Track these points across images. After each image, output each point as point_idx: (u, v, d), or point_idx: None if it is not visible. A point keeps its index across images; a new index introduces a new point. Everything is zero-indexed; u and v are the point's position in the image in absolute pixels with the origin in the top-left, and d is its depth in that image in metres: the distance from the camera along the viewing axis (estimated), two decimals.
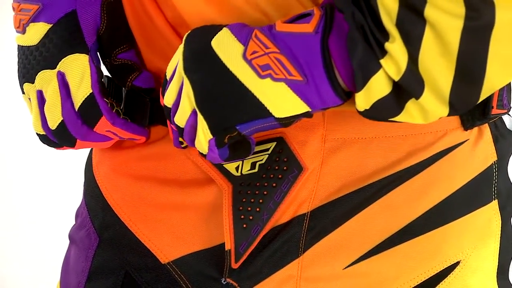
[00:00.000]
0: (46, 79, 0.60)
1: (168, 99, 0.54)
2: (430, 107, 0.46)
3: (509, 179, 0.65)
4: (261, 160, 0.58)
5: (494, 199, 0.63)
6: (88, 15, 0.61)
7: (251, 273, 0.61)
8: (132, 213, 0.65)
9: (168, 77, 0.54)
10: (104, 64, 0.64)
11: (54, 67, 0.60)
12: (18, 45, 0.63)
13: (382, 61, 0.44)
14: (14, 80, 0.69)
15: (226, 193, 0.59)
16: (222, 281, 0.62)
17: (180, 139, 0.57)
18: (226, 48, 0.49)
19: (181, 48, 0.51)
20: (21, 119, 1.65)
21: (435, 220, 0.60)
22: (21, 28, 0.62)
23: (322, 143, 0.58)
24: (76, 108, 0.60)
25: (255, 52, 0.48)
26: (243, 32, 0.50)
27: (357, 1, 0.45)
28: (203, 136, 0.51)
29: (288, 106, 0.48)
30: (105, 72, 0.63)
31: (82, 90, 0.59)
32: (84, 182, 0.71)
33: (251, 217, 0.58)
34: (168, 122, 0.56)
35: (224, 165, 0.59)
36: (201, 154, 0.53)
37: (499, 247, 0.64)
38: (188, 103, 0.51)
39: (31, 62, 0.61)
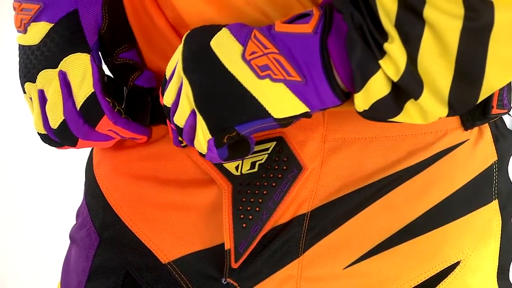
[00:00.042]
0: (48, 79, 0.60)
1: (167, 99, 0.54)
2: (429, 108, 0.46)
3: (510, 179, 0.65)
4: (261, 159, 0.58)
5: (495, 199, 0.63)
6: (90, 15, 0.61)
7: (251, 273, 0.61)
8: (132, 213, 0.65)
9: (167, 77, 0.54)
10: (106, 63, 0.64)
11: (55, 67, 0.60)
12: (19, 44, 0.63)
13: (381, 62, 0.44)
14: (15, 79, 0.69)
15: (226, 193, 0.59)
16: (222, 281, 0.62)
17: (180, 138, 0.57)
18: (225, 48, 0.49)
19: (180, 48, 0.52)
20: (22, 119, 1.65)
21: (435, 220, 0.60)
22: (22, 28, 0.62)
23: (322, 143, 0.58)
24: (78, 108, 0.60)
25: (254, 53, 0.48)
26: (242, 33, 0.50)
27: (356, 1, 0.45)
28: (202, 136, 0.51)
29: (287, 106, 0.48)
30: (106, 71, 0.63)
31: (83, 89, 0.60)
32: (85, 182, 0.71)
33: (250, 217, 0.58)
34: (168, 121, 0.56)
35: (224, 165, 0.59)
36: (200, 154, 0.53)
37: (499, 247, 0.64)
38: (187, 103, 0.51)
39: (33, 62, 0.61)
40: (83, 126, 0.61)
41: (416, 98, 0.45)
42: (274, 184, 0.58)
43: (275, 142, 0.58)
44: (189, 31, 0.52)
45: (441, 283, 0.61)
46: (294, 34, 0.48)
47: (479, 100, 0.46)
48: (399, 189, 0.59)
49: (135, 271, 0.65)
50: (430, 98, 0.45)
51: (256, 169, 0.58)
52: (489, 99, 0.60)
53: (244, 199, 0.59)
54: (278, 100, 0.48)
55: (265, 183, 0.58)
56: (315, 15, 0.48)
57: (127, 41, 0.63)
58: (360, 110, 0.48)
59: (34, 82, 0.61)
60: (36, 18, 0.61)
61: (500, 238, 0.64)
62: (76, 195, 0.90)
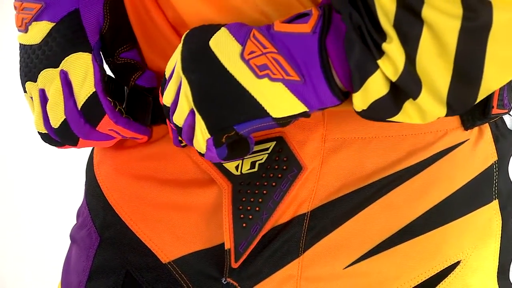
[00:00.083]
0: (49, 78, 0.60)
1: (167, 99, 0.54)
2: (428, 108, 0.46)
3: (510, 179, 0.65)
4: (261, 159, 0.58)
5: (495, 199, 0.63)
6: (91, 14, 0.61)
7: (251, 273, 0.61)
8: (133, 213, 0.65)
9: (167, 77, 0.54)
10: (107, 63, 0.64)
11: (57, 66, 0.60)
12: (20, 44, 0.63)
13: (379, 62, 0.44)
14: (15, 79, 0.69)
15: (226, 192, 0.59)
16: (223, 280, 0.62)
17: (180, 138, 0.57)
18: (224, 48, 0.49)
19: (179, 48, 0.52)
20: (22, 119, 1.65)
21: (435, 220, 0.60)
22: (24, 27, 0.62)
23: (322, 142, 0.58)
24: (79, 107, 0.60)
25: (253, 52, 0.48)
26: (241, 32, 0.50)
27: (355, 1, 0.45)
28: (201, 136, 0.51)
29: (286, 106, 0.48)
30: (107, 71, 0.64)
31: (85, 88, 0.60)
32: (85, 182, 0.72)
33: (250, 216, 0.58)
34: (167, 121, 0.56)
35: (224, 164, 0.59)
36: (200, 153, 0.53)
37: (500, 247, 0.64)
38: (186, 103, 0.51)
39: (34, 61, 0.61)
40: (84, 126, 0.61)
41: (415, 98, 0.45)
42: (274, 183, 0.58)
43: (275, 142, 0.58)
44: (188, 31, 0.52)
45: (441, 283, 0.61)
46: (293, 33, 0.48)
47: (478, 100, 0.46)
48: (399, 189, 0.59)
49: (135, 271, 0.65)
50: (429, 98, 0.45)
51: (256, 169, 0.58)
52: (489, 98, 0.60)
53: (244, 199, 0.59)
54: (277, 99, 0.48)
55: (265, 183, 0.58)
56: (314, 15, 0.48)
57: (129, 41, 0.63)
58: (359, 109, 0.48)
59: (35, 81, 0.61)
60: (37, 18, 0.61)
61: (500, 238, 0.64)
62: (76, 195, 0.90)
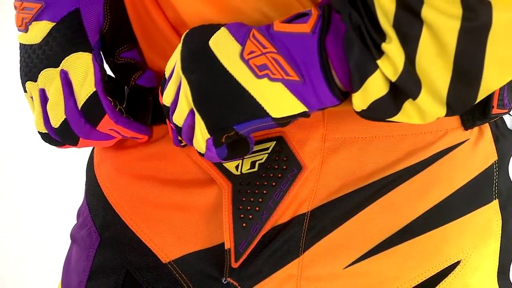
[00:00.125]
0: (49, 78, 0.60)
1: (166, 98, 0.54)
2: (427, 108, 0.46)
3: (510, 178, 0.65)
4: (261, 159, 0.58)
5: (495, 199, 0.63)
6: (91, 14, 0.61)
7: (251, 273, 0.61)
8: (133, 213, 0.65)
9: (166, 76, 0.54)
10: (107, 63, 0.64)
11: (57, 66, 0.60)
12: (20, 43, 0.63)
13: (379, 62, 0.44)
14: (15, 79, 0.69)
15: (226, 192, 0.59)
16: (223, 280, 0.62)
17: (180, 137, 0.57)
18: (224, 48, 0.49)
19: (179, 47, 0.52)
20: (22, 118, 1.65)
21: (435, 220, 0.60)
22: (24, 27, 0.62)
23: (322, 142, 0.58)
24: (79, 107, 0.60)
25: (253, 52, 0.48)
26: (241, 32, 0.50)
27: (354, 1, 0.45)
28: (201, 136, 0.51)
29: (285, 106, 0.48)
30: (108, 71, 0.64)
31: (85, 88, 0.60)
32: (86, 182, 0.72)
33: (250, 216, 0.58)
34: (167, 121, 0.56)
35: (224, 164, 0.59)
36: (200, 153, 0.53)
37: (500, 247, 0.64)
38: (185, 103, 0.51)
39: (34, 61, 0.61)
40: (84, 125, 0.61)
41: (414, 98, 0.45)
42: (274, 183, 0.58)
43: (275, 142, 0.58)
44: (188, 31, 0.52)
45: (441, 282, 0.61)
46: (292, 33, 0.48)
47: (478, 100, 0.46)
48: (399, 188, 0.60)
49: (135, 271, 0.65)
50: (428, 98, 0.45)
51: (256, 169, 0.58)
52: (489, 98, 0.60)
53: (244, 199, 0.59)
54: (276, 99, 0.48)
55: (265, 183, 0.58)
56: (313, 15, 0.48)
57: (129, 41, 0.63)
58: (358, 109, 0.48)
59: (35, 81, 0.61)
60: (37, 17, 0.61)
61: (500, 238, 0.64)
62: (76, 195, 0.90)
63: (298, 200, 0.59)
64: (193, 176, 0.62)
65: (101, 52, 0.63)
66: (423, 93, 0.45)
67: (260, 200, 0.58)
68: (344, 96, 0.48)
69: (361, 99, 0.46)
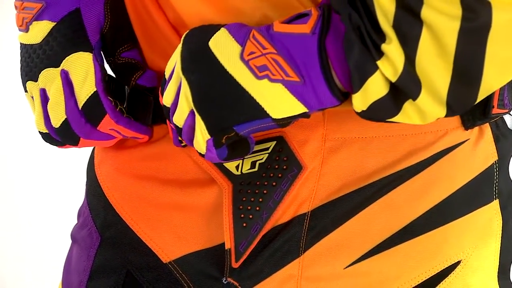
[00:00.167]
0: (50, 78, 0.60)
1: (166, 99, 0.54)
2: (427, 108, 0.46)
3: (510, 178, 0.65)
4: (261, 159, 0.58)
5: (495, 199, 0.63)
6: (92, 14, 0.61)
7: (251, 273, 0.61)
8: (133, 213, 0.65)
9: (166, 77, 0.54)
10: (108, 63, 0.64)
11: (57, 66, 0.60)
12: (20, 43, 0.63)
13: (378, 63, 0.44)
14: (15, 79, 0.69)
15: (226, 192, 0.59)
16: (223, 280, 0.62)
17: (180, 138, 0.57)
18: (224, 48, 0.49)
19: (179, 48, 0.51)
20: (22, 118, 1.65)
21: (435, 220, 0.60)
22: (24, 27, 0.62)
23: (322, 142, 0.58)
24: (80, 107, 0.60)
25: (253, 53, 0.48)
26: (240, 32, 0.50)
27: (354, 2, 0.45)
28: (201, 137, 0.51)
29: (285, 107, 0.48)
30: (108, 71, 0.64)
31: (86, 88, 0.60)
32: (86, 181, 0.72)
33: (251, 216, 0.59)
34: (167, 121, 0.56)
35: (224, 164, 0.59)
36: (200, 154, 0.53)
37: (500, 247, 0.64)
38: (186, 104, 0.51)
39: (35, 61, 0.61)
40: (85, 125, 0.61)
41: (414, 98, 0.45)
42: (274, 183, 0.58)
43: (275, 142, 0.58)
44: (188, 31, 0.52)
45: (441, 282, 0.61)
46: (292, 34, 0.48)
47: (478, 101, 0.46)
48: (400, 188, 0.60)
49: (136, 271, 0.65)
50: (428, 99, 0.45)
51: (256, 169, 0.58)
52: (489, 98, 0.59)
53: (244, 199, 0.59)
54: (276, 100, 0.48)
55: (265, 183, 0.58)
56: (313, 15, 0.48)
57: (129, 41, 0.63)
58: (358, 110, 0.48)
59: (36, 81, 0.61)
60: (38, 17, 0.61)
61: (500, 238, 0.64)
62: (77, 195, 0.90)
63: (299, 200, 0.59)
64: (193, 176, 0.62)
65: (102, 52, 0.63)
66: (423, 93, 0.45)
67: (260, 200, 0.58)
68: (344, 96, 0.48)
69: (361, 100, 0.46)
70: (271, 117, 0.49)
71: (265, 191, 0.58)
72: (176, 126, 0.54)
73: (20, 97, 0.69)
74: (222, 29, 0.50)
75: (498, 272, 0.64)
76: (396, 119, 0.48)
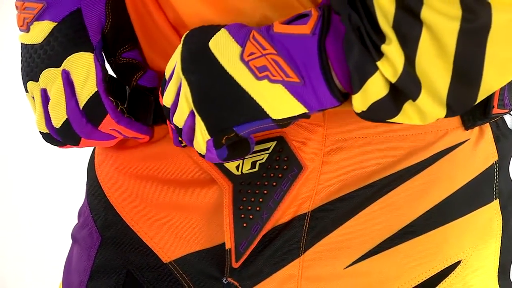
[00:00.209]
0: (51, 78, 0.60)
1: (167, 100, 0.54)
2: (427, 109, 0.46)
3: (510, 178, 0.65)
4: (262, 159, 0.58)
5: (495, 199, 0.63)
6: (93, 14, 0.61)
7: (252, 273, 0.61)
8: (134, 212, 0.65)
9: (167, 77, 0.54)
10: (109, 63, 0.64)
11: (58, 66, 0.60)
12: (21, 43, 0.63)
13: (378, 63, 0.44)
14: (15, 79, 0.69)
15: (227, 192, 0.59)
16: (223, 280, 0.62)
17: (180, 138, 0.57)
18: (224, 49, 0.49)
19: (179, 48, 0.52)
20: (23, 118, 1.65)
21: (435, 220, 0.60)
22: (25, 27, 0.62)
23: (323, 142, 0.58)
24: (81, 107, 0.60)
25: (253, 54, 0.48)
26: (241, 33, 0.50)
27: (354, 2, 0.45)
28: (201, 137, 0.51)
29: (285, 107, 0.48)
30: (109, 71, 0.64)
31: (87, 88, 0.60)
32: (87, 181, 0.72)
33: (251, 216, 0.59)
34: (167, 121, 0.57)
35: (224, 164, 0.59)
36: (200, 154, 0.53)
37: (500, 247, 0.64)
38: (186, 104, 0.51)
39: (35, 61, 0.61)
40: (86, 125, 0.61)
41: (414, 99, 0.45)
42: (274, 183, 0.58)
43: (276, 142, 0.58)
44: (188, 32, 0.52)
45: (441, 282, 0.61)
46: (292, 35, 0.48)
47: (478, 101, 0.46)
48: (400, 188, 0.60)
49: (136, 271, 0.65)
50: (428, 99, 0.45)
51: (256, 169, 0.58)
52: (490, 98, 0.60)
53: (244, 199, 0.59)
54: (276, 101, 0.48)
55: (266, 183, 0.58)
56: (313, 16, 0.48)
57: (130, 41, 0.63)
58: (358, 111, 0.48)
59: (37, 81, 0.61)
60: (39, 17, 0.61)
61: (501, 238, 0.64)
62: (77, 195, 0.90)
63: (299, 200, 0.59)
64: (193, 176, 0.62)
65: (103, 52, 0.63)
66: (423, 94, 0.45)
67: (260, 200, 0.58)
68: (344, 97, 0.49)
69: (361, 101, 0.46)
70: (271, 117, 0.49)
71: (265, 191, 0.58)
72: (176, 127, 0.54)
73: (21, 97, 0.69)
74: (222, 29, 0.50)
75: (498, 272, 0.64)
76: (396, 120, 0.48)
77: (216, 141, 0.51)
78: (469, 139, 0.61)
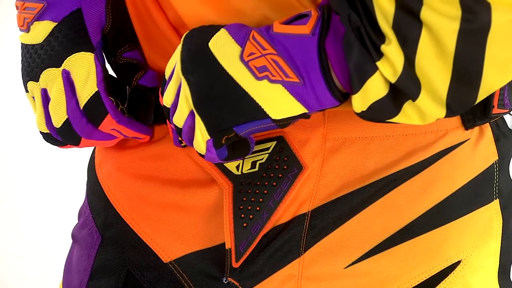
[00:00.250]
0: (51, 78, 0.60)
1: (166, 100, 0.54)
2: (427, 109, 0.46)
3: (510, 178, 0.65)
4: (262, 159, 0.58)
5: (495, 199, 0.63)
6: (93, 14, 0.61)
7: (252, 273, 0.61)
8: (134, 212, 0.65)
9: (166, 77, 0.54)
10: (109, 63, 0.64)
11: (59, 66, 0.60)
12: (21, 43, 0.63)
13: (378, 63, 0.44)
14: (16, 78, 0.69)
15: (227, 192, 0.59)
16: (224, 280, 0.62)
17: (180, 138, 0.57)
18: (223, 49, 0.49)
19: (179, 49, 0.51)
20: (23, 118, 1.65)
21: (436, 220, 0.60)
22: (25, 27, 0.62)
23: (323, 142, 0.58)
24: (81, 106, 0.60)
25: (252, 54, 0.48)
26: (240, 33, 0.50)
27: (353, 3, 0.45)
28: (201, 137, 0.51)
29: (285, 107, 0.48)
30: (110, 71, 0.64)
31: (87, 88, 0.60)
32: (87, 181, 0.72)
33: (251, 216, 0.59)
34: (167, 121, 0.57)
35: (224, 164, 0.59)
36: (200, 154, 0.53)
37: (500, 247, 0.64)
38: (185, 104, 0.51)
39: (36, 61, 0.61)
40: (86, 125, 0.61)
41: (414, 99, 0.45)
42: (274, 183, 0.58)
43: (276, 142, 0.58)
44: (188, 32, 0.52)
45: (441, 282, 0.61)
46: (292, 35, 0.48)
47: (477, 101, 0.46)
48: (400, 188, 0.60)
49: (136, 270, 0.65)
50: (428, 100, 0.45)
51: (256, 169, 0.58)
52: (490, 98, 0.60)
53: (244, 199, 0.59)
54: (276, 101, 0.48)
55: (266, 183, 0.58)
56: (313, 16, 0.48)
57: (131, 41, 0.63)
58: (358, 111, 0.48)
59: (37, 81, 0.61)
60: (39, 17, 0.61)
61: (501, 238, 0.64)
62: (78, 195, 0.90)
63: (299, 200, 0.60)
64: (194, 176, 0.62)
65: (103, 52, 0.63)
66: (423, 94, 0.45)
67: (260, 200, 0.58)
68: (344, 97, 0.48)
69: (361, 101, 0.46)
70: (270, 117, 0.49)
71: (265, 191, 0.58)
72: (176, 127, 0.54)
73: (21, 97, 0.69)
74: (222, 29, 0.50)
75: (498, 272, 0.64)
76: (396, 120, 0.48)
77: (216, 141, 0.51)
78: (469, 139, 0.61)
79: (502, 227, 0.64)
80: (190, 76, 0.50)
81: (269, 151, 0.58)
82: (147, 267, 0.65)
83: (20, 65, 0.64)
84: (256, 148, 0.58)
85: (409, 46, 0.43)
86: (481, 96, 0.45)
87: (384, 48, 0.44)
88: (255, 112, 0.49)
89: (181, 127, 0.53)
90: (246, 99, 0.48)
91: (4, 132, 1.95)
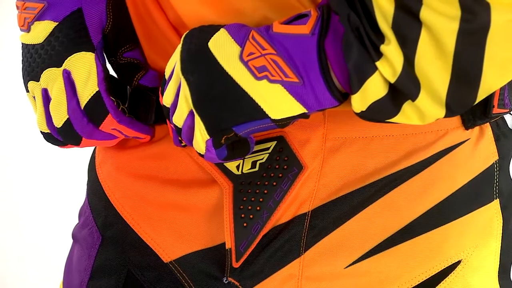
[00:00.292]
0: (52, 77, 0.60)
1: (166, 99, 0.54)
2: (427, 109, 0.46)
3: (511, 178, 0.65)
4: (262, 159, 0.58)
5: (496, 199, 0.63)
6: (94, 14, 0.61)
7: (252, 272, 0.61)
8: (134, 212, 0.65)
9: (166, 77, 0.54)
10: (110, 63, 0.64)
11: (59, 65, 0.60)
12: (22, 43, 0.63)
13: (377, 64, 0.44)
14: (16, 78, 0.69)
15: (227, 192, 0.59)
16: (224, 280, 0.62)
17: (180, 138, 0.57)
18: (223, 49, 0.49)
19: (178, 48, 0.52)
20: (23, 118, 1.65)
21: (436, 219, 0.60)
22: (26, 27, 0.62)
23: (323, 142, 0.58)
24: (82, 106, 0.60)
25: (252, 54, 0.48)
26: (240, 33, 0.50)
27: (353, 3, 0.45)
28: (200, 137, 0.51)
29: (285, 107, 0.48)
30: (110, 71, 0.64)
31: (88, 88, 0.60)
32: (87, 181, 0.72)
33: (251, 216, 0.59)
34: (167, 121, 0.57)
35: (225, 164, 0.59)
36: (200, 154, 0.53)
37: (500, 247, 0.64)
38: (185, 104, 0.51)
39: (36, 61, 0.61)
40: (87, 125, 0.61)
41: (413, 99, 0.45)
42: (274, 183, 0.58)
43: (276, 142, 0.58)
44: (187, 32, 0.52)
45: (442, 282, 0.61)
46: (291, 35, 0.48)
47: (477, 101, 0.46)
48: (400, 188, 0.60)
49: (137, 270, 0.65)
50: (427, 100, 0.45)
51: (257, 169, 0.59)
52: (490, 98, 0.60)
53: (245, 199, 0.59)
54: (276, 101, 0.48)
55: (266, 183, 0.58)
56: (312, 16, 0.48)
57: (132, 41, 0.63)
58: (358, 111, 0.48)
59: (38, 81, 0.61)
60: (40, 17, 0.61)
61: (501, 238, 0.64)
62: (78, 194, 0.90)
63: (299, 199, 0.60)
64: (194, 176, 0.62)
65: (104, 52, 0.63)
66: (422, 94, 0.45)
67: (261, 200, 0.58)
68: (343, 97, 0.49)
69: (360, 101, 0.46)
70: (270, 117, 0.49)
71: (265, 191, 0.58)
72: (176, 126, 0.54)
73: (21, 97, 0.69)
74: (222, 29, 0.50)
75: (498, 271, 0.64)
76: (395, 120, 0.48)
77: (215, 141, 0.51)
78: (469, 138, 0.61)
79: (502, 227, 0.64)
80: (189, 76, 0.50)
81: (269, 151, 0.58)
82: (148, 267, 0.65)
83: (21, 65, 0.64)
84: (256, 148, 0.58)
85: (408, 46, 0.43)
86: (481, 96, 0.45)
87: (383, 48, 0.44)
88: (255, 112, 0.49)
89: (180, 126, 0.53)
90: (246, 99, 0.48)
91: (5, 132, 1.95)
